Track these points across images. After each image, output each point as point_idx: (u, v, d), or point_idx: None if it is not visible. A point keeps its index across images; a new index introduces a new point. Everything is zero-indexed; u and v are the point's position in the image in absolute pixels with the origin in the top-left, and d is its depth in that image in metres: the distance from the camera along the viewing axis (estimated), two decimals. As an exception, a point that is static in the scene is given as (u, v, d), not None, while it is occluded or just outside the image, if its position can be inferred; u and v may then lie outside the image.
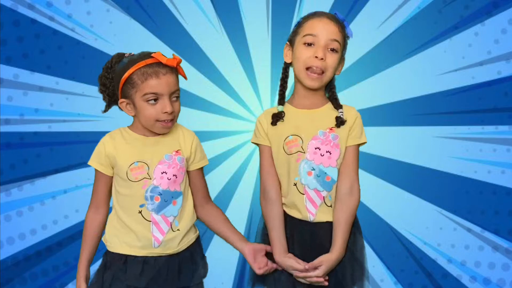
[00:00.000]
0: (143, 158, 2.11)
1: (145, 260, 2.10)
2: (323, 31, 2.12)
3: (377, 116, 3.29)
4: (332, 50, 2.12)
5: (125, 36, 3.35)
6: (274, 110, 2.21)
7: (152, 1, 3.34)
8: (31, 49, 3.32)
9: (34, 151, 3.34)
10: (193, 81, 3.35)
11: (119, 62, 2.13)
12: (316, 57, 2.11)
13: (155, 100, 2.07)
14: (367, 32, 3.28)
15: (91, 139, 3.35)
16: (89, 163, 2.18)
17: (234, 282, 3.36)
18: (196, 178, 2.19)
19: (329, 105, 2.19)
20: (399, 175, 3.33)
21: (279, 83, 2.27)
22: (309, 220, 2.14)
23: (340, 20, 2.16)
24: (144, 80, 2.06)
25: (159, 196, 2.10)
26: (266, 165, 2.19)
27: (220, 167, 3.33)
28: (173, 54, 2.13)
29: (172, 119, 2.11)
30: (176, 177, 2.12)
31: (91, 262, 2.17)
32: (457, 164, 3.33)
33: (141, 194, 2.09)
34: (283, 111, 2.19)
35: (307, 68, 2.13)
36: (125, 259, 2.10)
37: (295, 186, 2.14)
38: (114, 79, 2.13)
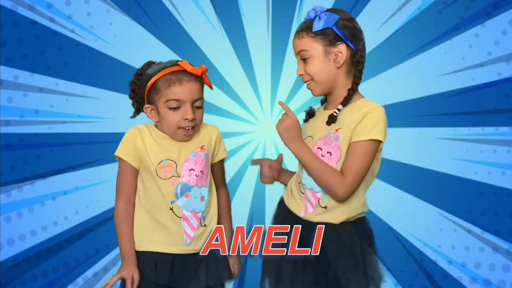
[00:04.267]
0: (171, 156, 2.14)
1: (174, 258, 2.12)
2: (294, 49, 2.15)
3: (377, 117, 3.29)
4: (304, 59, 2.12)
5: (125, 37, 3.35)
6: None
7: (152, 2, 3.34)
8: (31, 50, 3.32)
9: (34, 152, 3.33)
10: (193, 82, 3.36)
11: (148, 69, 2.18)
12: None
13: (177, 107, 2.11)
14: (367, 33, 3.25)
15: (91, 140, 3.36)
16: (117, 154, 2.16)
17: (234, 283, 3.36)
18: (216, 170, 2.26)
19: (351, 104, 2.13)
20: (399, 176, 3.33)
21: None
22: (299, 216, 2.13)
23: (308, 19, 2.13)
24: (167, 87, 2.10)
25: (189, 193, 2.13)
26: None
27: (220, 168, 3.33)
28: (201, 64, 2.16)
29: (194, 127, 2.14)
30: (203, 173, 2.16)
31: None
32: (458, 165, 3.33)
33: (171, 191, 2.12)
34: (314, 110, 2.22)
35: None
36: (155, 260, 2.12)
37: (299, 184, 2.15)
38: (141, 85, 2.18)
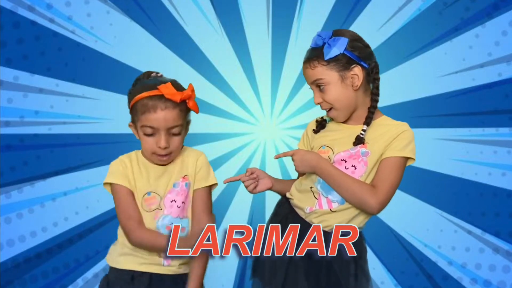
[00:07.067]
0: (155, 189, 2.12)
1: (151, 277, 2.10)
2: (307, 78, 2.14)
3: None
4: (320, 87, 2.11)
5: (125, 38, 3.35)
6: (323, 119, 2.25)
7: (152, 3, 3.34)
8: (31, 51, 3.31)
9: (34, 153, 3.33)
10: (193, 83, 3.35)
11: (137, 83, 2.13)
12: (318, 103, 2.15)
13: (152, 133, 2.06)
14: (367, 34, 3.23)
15: (91, 141, 3.36)
16: (106, 181, 2.12)
17: (234, 284, 3.36)
18: (195, 200, 2.15)
19: (374, 122, 2.15)
20: (399, 177, 3.32)
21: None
22: (305, 211, 2.14)
23: (316, 47, 2.12)
24: (143, 112, 2.05)
25: (170, 225, 2.10)
26: None
27: (221, 169, 3.33)
28: (190, 85, 2.10)
29: (168, 154, 2.09)
30: (185, 204, 2.13)
31: None
32: (458, 166, 3.32)
33: (153, 224, 2.10)
34: (325, 120, 2.22)
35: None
36: (132, 275, 2.10)
37: (311, 190, 2.15)
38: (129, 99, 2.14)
